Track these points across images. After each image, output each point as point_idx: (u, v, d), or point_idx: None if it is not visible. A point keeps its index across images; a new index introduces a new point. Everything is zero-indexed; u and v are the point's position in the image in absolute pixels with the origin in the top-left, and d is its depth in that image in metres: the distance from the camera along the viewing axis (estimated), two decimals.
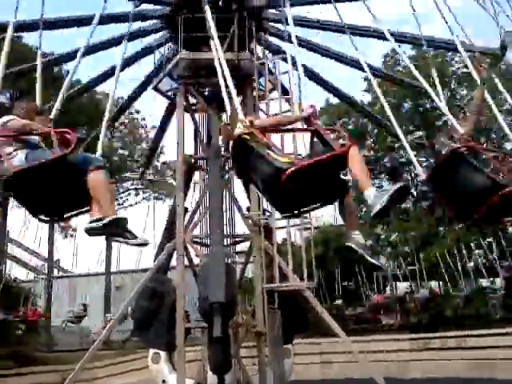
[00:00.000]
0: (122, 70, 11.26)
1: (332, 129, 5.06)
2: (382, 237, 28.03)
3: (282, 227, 9.03)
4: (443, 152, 5.49)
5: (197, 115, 11.16)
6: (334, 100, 27.99)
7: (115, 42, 10.53)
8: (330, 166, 4.33)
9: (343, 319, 20.17)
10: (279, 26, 11.00)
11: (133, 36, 10.69)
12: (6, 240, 29.15)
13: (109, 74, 11.34)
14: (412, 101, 27.09)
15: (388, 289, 27.18)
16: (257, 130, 4.58)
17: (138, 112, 32.41)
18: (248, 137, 4.61)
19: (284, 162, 4.34)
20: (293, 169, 4.19)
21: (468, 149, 5.33)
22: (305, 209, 5.18)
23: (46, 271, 29.53)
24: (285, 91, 9.69)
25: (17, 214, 29.84)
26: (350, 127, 27.71)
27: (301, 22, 10.80)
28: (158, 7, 10.81)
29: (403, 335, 18.49)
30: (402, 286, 26.87)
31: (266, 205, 9.46)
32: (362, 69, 12.03)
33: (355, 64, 11.39)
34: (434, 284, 25.96)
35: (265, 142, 4.54)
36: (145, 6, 10.60)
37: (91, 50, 10.58)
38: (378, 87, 9.51)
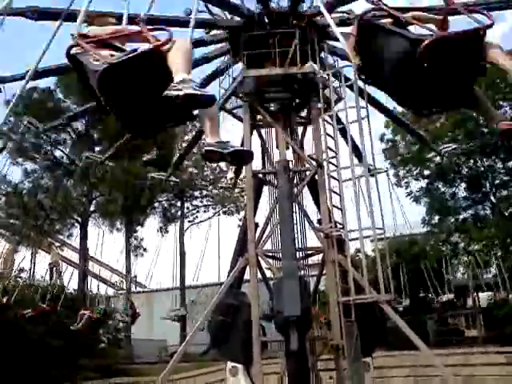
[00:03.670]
0: None
1: None
2: (461, 245, 26.79)
3: (355, 239, 8.94)
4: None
5: (263, 130, 11.31)
6: None
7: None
8: (467, 46, 3.88)
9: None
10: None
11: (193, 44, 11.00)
12: (87, 257, 30.66)
13: None
14: None
15: (470, 300, 25.95)
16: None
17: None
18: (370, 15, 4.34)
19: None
20: (434, 38, 3.78)
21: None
22: (439, 107, 4.61)
23: (125, 287, 30.75)
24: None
25: (95, 233, 31.39)
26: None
27: None
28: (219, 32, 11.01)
29: (488, 348, 17.58)
30: (484, 297, 25.64)
31: (336, 217, 9.40)
32: None
33: None
34: None
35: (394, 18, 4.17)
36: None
37: None
38: None
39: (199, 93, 3.22)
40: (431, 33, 4.08)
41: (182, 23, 10.53)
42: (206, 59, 11.19)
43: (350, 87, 9.47)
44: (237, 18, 10.55)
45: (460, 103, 4.53)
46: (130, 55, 3.54)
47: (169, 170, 14.01)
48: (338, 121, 9.43)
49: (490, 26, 3.88)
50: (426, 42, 3.79)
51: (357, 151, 9.99)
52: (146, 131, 4.44)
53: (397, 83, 4.25)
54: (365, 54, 4.55)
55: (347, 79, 9.48)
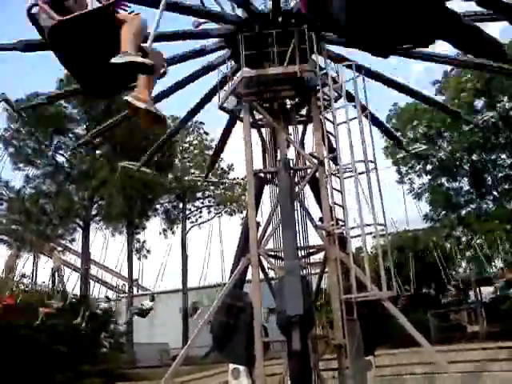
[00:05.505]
0: (184, 87, 11.63)
1: None
2: (463, 240, 26.80)
3: (356, 236, 8.89)
4: None
5: (263, 130, 11.28)
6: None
7: (177, 60, 10.85)
8: None
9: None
10: None
11: (194, 54, 10.99)
12: (89, 262, 30.60)
13: (166, 93, 11.78)
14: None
15: (472, 294, 25.85)
16: None
17: (206, 133, 33.49)
18: None
19: None
20: None
21: None
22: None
23: (127, 290, 30.70)
24: (350, 98, 9.61)
25: (98, 237, 31.39)
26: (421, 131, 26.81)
27: None
28: (218, 26, 10.98)
29: (490, 344, 17.43)
30: (487, 291, 25.51)
31: (338, 214, 9.34)
32: (434, 60, 11.66)
33: (427, 56, 11.03)
34: None
35: None
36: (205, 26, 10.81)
37: None
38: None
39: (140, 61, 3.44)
40: None
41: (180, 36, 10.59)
42: (203, 52, 11.16)
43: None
44: (239, 14, 10.52)
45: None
46: (78, 14, 3.63)
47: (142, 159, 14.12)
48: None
49: None
50: None
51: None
52: (99, 90, 4.50)
53: (348, 22, 3.77)
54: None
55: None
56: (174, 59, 10.88)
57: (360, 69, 9.50)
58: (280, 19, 10.12)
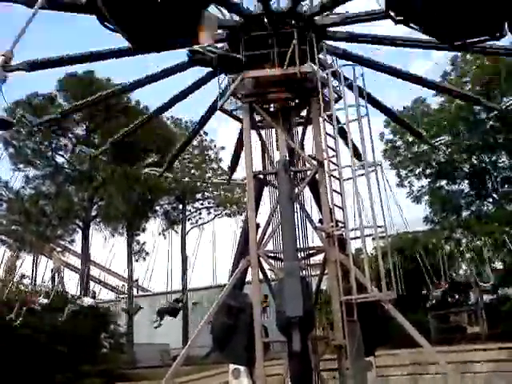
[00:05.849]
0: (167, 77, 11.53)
1: None
2: (463, 241, 26.82)
3: (356, 237, 8.91)
4: None
5: (262, 131, 11.29)
6: None
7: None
8: None
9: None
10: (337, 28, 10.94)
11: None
12: (88, 262, 30.62)
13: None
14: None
15: (472, 296, 25.93)
16: None
17: (206, 134, 33.53)
18: None
19: None
20: None
21: None
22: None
23: (126, 291, 30.73)
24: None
25: (97, 238, 31.39)
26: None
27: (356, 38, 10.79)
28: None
29: (490, 345, 17.47)
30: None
31: (338, 216, 9.35)
32: (421, 83, 11.99)
33: (413, 78, 11.34)
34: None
35: None
36: None
37: None
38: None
39: None
40: None
41: None
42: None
43: (349, 86, 9.50)
44: (236, 18, 10.48)
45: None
46: None
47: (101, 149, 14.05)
48: (338, 121, 9.45)
49: None
50: None
51: (356, 151, 9.99)
52: (149, 44, 4.13)
53: (430, 13, 3.81)
54: None
55: (346, 78, 9.49)
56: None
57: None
58: (293, 21, 10.13)
